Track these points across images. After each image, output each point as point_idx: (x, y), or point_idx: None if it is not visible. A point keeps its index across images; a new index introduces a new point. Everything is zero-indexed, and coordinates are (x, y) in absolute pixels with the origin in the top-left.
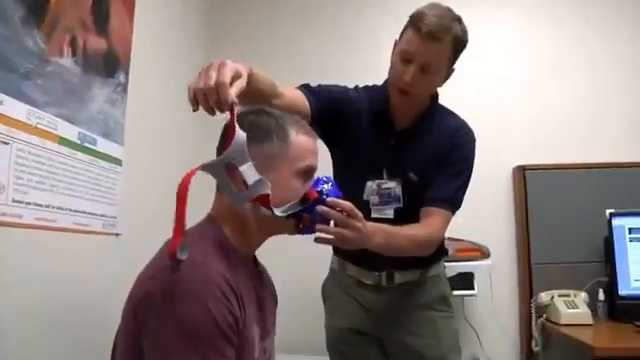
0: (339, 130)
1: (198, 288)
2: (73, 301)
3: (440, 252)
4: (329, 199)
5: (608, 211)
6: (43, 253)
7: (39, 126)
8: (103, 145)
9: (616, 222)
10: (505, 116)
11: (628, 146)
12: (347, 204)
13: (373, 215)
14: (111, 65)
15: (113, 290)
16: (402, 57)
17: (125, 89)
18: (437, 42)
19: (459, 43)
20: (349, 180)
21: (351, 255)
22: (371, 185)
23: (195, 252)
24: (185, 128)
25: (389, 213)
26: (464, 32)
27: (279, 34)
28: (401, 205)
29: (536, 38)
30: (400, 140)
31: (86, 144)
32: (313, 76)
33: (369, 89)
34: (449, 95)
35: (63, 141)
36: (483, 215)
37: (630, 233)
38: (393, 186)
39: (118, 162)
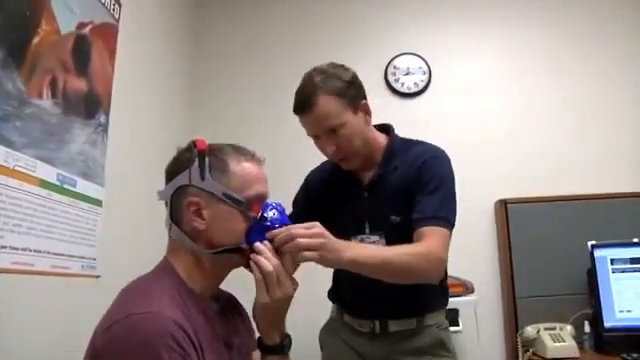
0: (320, 204)
1: (152, 339)
2: (52, 345)
3: (440, 297)
4: (254, 245)
5: (590, 243)
6: (21, 297)
7: (17, 168)
8: (83, 186)
9: (598, 253)
10: (486, 150)
11: (608, 177)
12: (280, 230)
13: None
14: (91, 106)
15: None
16: (312, 137)
17: (105, 130)
18: (312, 108)
19: (339, 89)
20: None
21: (348, 305)
22: (354, 241)
23: (150, 301)
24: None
25: None
26: (335, 76)
27: (262, 81)
28: None
29: (515, 73)
30: (372, 190)
31: (65, 185)
32: None
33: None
34: (431, 130)
35: (42, 183)
36: (466, 250)
37: (612, 264)
38: (376, 240)
39: (98, 203)
